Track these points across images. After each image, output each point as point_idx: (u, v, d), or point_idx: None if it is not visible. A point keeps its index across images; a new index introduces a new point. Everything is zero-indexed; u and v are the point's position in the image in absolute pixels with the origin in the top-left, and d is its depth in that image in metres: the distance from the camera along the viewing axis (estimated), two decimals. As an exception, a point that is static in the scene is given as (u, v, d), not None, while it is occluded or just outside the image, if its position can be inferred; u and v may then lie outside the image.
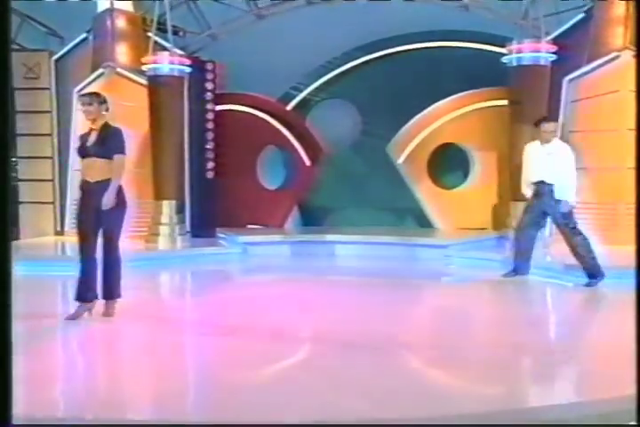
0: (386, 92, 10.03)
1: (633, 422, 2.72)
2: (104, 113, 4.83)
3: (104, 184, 4.70)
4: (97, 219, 4.72)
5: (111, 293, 4.84)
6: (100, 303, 4.87)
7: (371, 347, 4.11)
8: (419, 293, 6.34)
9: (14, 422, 2.16)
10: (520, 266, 6.47)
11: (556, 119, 6.41)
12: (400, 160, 9.74)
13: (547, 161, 6.17)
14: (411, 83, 9.90)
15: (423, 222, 9.80)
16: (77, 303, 4.79)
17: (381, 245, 8.51)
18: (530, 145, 6.43)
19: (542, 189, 6.19)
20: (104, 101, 4.84)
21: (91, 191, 4.76)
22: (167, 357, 4.00)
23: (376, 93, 10.11)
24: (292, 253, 8.86)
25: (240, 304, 5.64)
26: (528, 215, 6.33)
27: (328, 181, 10.26)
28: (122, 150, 4.79)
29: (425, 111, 9.62)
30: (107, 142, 4.74)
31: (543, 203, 6.19)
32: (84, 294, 4.78)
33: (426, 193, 9.74)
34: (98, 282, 4.81)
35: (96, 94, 4.95)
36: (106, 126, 4.80)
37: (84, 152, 4.83)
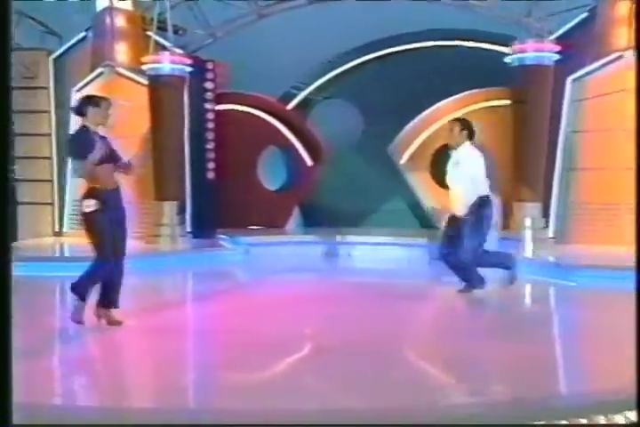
0: (388, 92, 10.09)
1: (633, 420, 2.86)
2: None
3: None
4: None
5: (107, 301, 4.84)
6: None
7: (370, 347, 4.23)
8: (419, 294, 6.35)
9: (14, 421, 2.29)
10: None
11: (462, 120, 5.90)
12: (402, 160, 9.82)
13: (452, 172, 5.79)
14: (413, 82, 9.95)
15: (425, 223, 9.87)
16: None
17: (383, 246, 8.61)
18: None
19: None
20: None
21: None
22: (174, 357, 4.10)
23: (378, 93, 10.17)
24: (294, 253, 8.96)
25: (245, 306, 5.71)
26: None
27: (330, 181, 10.34)
28: None
29: (427, 111, 9.70)
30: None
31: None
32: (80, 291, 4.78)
33: (428, 193, 9.79)
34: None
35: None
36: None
37: (112, 158, 4.80)
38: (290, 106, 10.55)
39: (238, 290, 6.84)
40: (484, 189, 5.68)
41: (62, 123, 9.79)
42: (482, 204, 5.61)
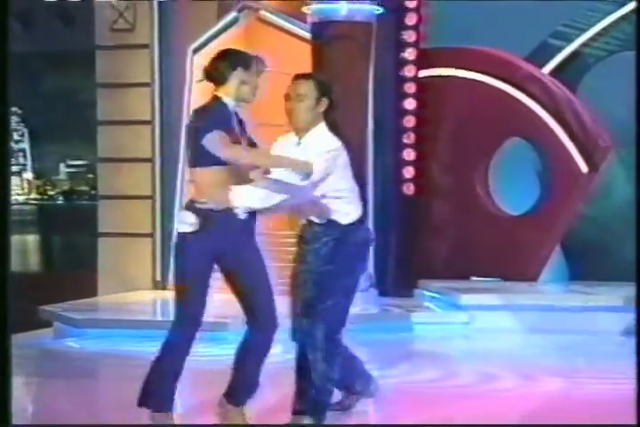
0: None
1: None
2: None
3: None
4: None
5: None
6: None
7: None
8: None
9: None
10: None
11: None
12: None
13: None
14: None
15: None
16: None
17: None
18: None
19: None
20: None
21: None
22: None
23: None
24: (558, 327, 8.81)
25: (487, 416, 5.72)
26: None
27: (619, 201, 10.10)
28: None
29: None
30: None
31: None
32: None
33: None
34: None
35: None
36: None
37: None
38: (547, 68, 10.40)
39: (465, 390, 6.68)
40: None
41: (171, 102, 10.19)
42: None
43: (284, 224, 9.33)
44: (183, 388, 5.45)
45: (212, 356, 7.42)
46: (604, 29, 10.36)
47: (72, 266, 13.87)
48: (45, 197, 22.18)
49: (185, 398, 5.51)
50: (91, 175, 13.28)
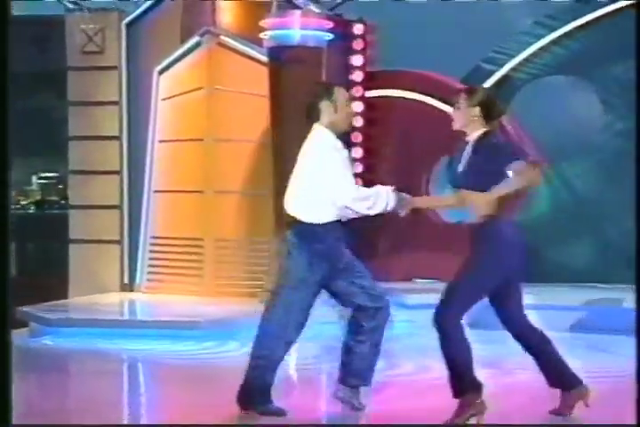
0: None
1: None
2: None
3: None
4: None
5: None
6: None
7: None
8: None
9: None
10: None
11: None
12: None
13: None
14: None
15: None
16: None
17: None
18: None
19: None
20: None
21: None
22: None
23: (626, 66, 9.80)
24: (493, 323, 8.73)
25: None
26: None
27: (545, 211, 10.18)
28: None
29: None
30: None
31: None
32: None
33: None
34: None
35: None
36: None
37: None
38: (481, 90, 10.48)
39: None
40: None
41: (138, 119, 10.21)
42: None
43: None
44: (158, 383, 5.50)
45: (183, 352, 7.69)
46: (530, 56, 10.44)
47: (44, 271, 13.72)
48: (18, 206, 21.73)
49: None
50: (61, 186, 13.04)
